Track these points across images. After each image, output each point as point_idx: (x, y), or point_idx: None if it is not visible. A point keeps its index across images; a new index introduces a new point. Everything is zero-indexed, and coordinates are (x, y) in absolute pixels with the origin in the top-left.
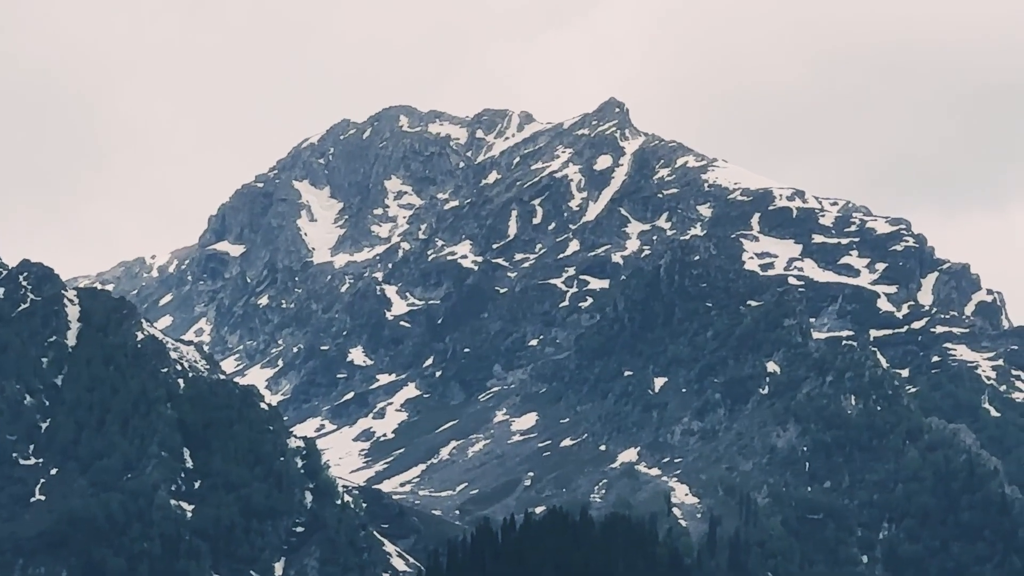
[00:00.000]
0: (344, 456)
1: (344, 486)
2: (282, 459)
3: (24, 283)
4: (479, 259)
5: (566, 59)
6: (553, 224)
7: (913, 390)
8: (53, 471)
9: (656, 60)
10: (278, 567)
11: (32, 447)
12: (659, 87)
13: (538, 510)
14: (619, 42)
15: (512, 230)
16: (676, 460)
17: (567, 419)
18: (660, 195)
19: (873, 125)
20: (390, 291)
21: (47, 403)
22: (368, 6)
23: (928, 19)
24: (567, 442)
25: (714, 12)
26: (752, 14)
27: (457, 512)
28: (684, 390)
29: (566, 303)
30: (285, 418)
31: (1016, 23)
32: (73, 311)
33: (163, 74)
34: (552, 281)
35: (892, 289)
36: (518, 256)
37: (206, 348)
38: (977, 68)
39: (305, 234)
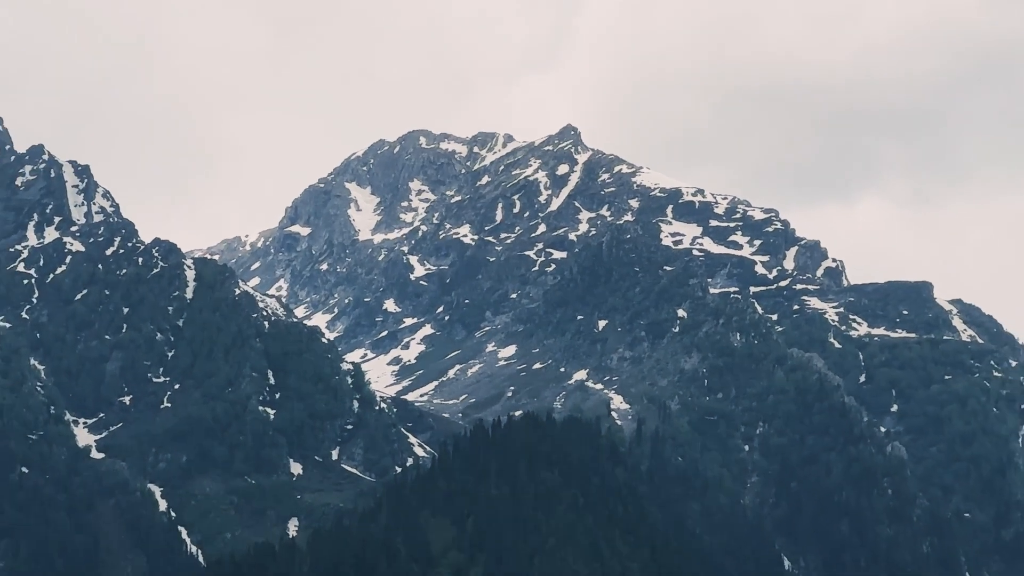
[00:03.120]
0: (380, 376)
1: (380, 397)
2: (337, 378)
3: (156, 255)
4: (475, 237)
5: (538, 97)
6: (527, 213)
7: (780, 329)
8: (176, 386)
9: (601, 97)
10: (334, 453)
11: (161, 369)
12: (603, 116)
13: (517, 414)
14: (575, 84)
15: (499, 217)
16: (614, 379)
17: (537, 349)
18: (602, 192)
19: (753, 141)
20: (413, 260)
21: (172, 339)
22: (397, 60)
23: (792, 63)
24: (537, 365)
25: (643, 66)
26: (669, 65)
27: (460, 415)
28: (619, 329)
29: (536, 268)
30: (339, 349)
31: (858, 66)
32: (190, 274)
33: (257, 106)
34: (526, 253)
35: (765, 258)
36: (503, 235)
37: (284, 300)
38: (829, 98)
39: (353, 220)
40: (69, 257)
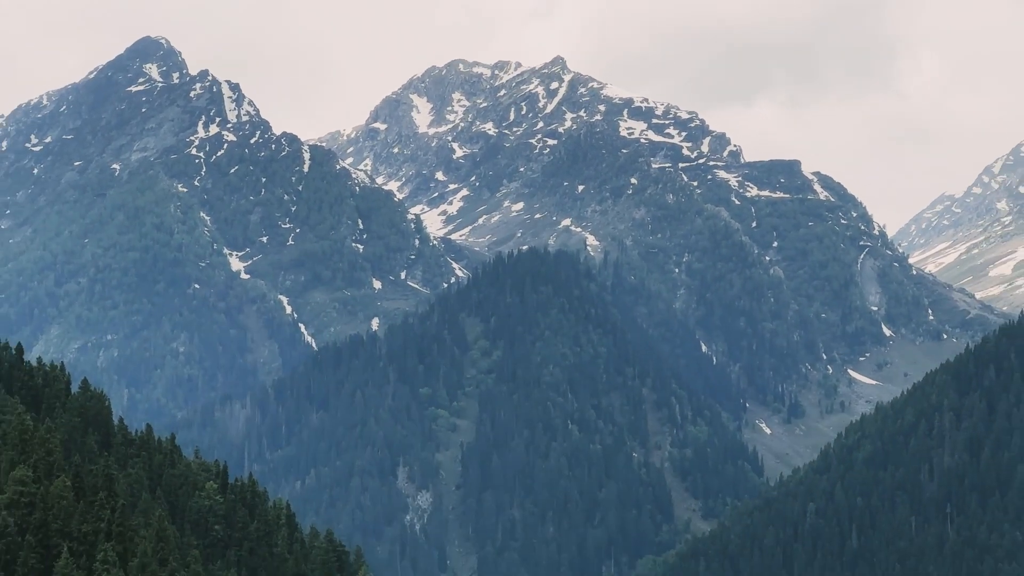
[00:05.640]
0: (433, 222)
1: (433, 236)
2: (404, 224)
3: (283, 143)
4: (496, 130)
5: (539, 36)
6: (531, 114)
7: (699, 192)
8: (297, 230)
9: (581, 36)
10: (403, 274)
11: (287, 219)
12: (582, 49)
13: (524, 248)
14: (564, 27)
15: (512, 116)
16: (589, 224)
17: (538, 204)
18: (581, 101)
19: (682, 64)
20: (455, 145)
21: (294, 199)
22: (446, 11)
23: (708, 10)
24: (537, 216)
25: (610, 15)
26: (627, 14)
27: (487, 249)
28: (592, 191)
29: (537, 151)
30: (406, 204)
31: (754, 10)
32: (306, 155)
33: (353, 39)
34: (530, 140)
35: (689, 144)
36: (515, 129)
37: (369, 173)
38: (735, 33)
39: (415, 119)
40: (226, 145)
